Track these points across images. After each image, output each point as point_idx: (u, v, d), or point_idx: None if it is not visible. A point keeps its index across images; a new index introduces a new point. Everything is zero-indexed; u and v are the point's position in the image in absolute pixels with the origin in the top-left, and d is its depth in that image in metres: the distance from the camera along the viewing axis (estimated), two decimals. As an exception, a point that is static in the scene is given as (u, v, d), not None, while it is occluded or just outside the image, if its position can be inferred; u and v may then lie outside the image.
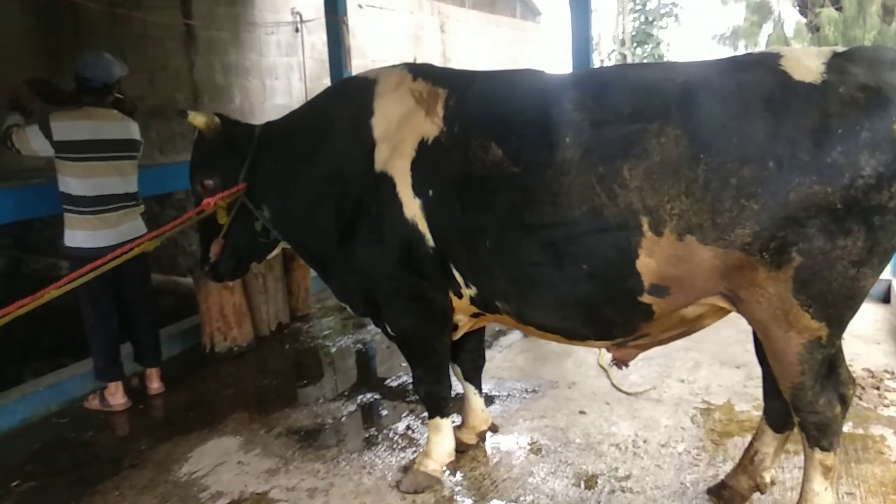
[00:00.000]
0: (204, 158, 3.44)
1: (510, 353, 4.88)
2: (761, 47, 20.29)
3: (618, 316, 2.66)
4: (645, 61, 27.15)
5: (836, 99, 2.19)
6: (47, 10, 6.16)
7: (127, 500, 3.38)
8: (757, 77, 2.32)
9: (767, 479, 2.91)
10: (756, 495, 2.98)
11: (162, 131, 7.23)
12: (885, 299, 5.41)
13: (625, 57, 27.40)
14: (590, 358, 4.62)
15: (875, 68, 2.24)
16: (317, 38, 9.39)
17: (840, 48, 2.37)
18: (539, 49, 18.81)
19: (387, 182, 2.92)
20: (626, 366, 3.07)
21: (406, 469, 3.41)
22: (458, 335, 3.28)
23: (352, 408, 4.24)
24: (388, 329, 3.24)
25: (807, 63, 2.29)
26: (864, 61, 2.26)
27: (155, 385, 4.64)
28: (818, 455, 2.56)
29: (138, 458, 3.79)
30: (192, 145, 3.52)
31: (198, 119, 3.28)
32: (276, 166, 3.30)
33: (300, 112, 3.45)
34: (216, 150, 3.37)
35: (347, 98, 3.22)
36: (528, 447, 3.60)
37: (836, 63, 2.27)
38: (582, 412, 3.93)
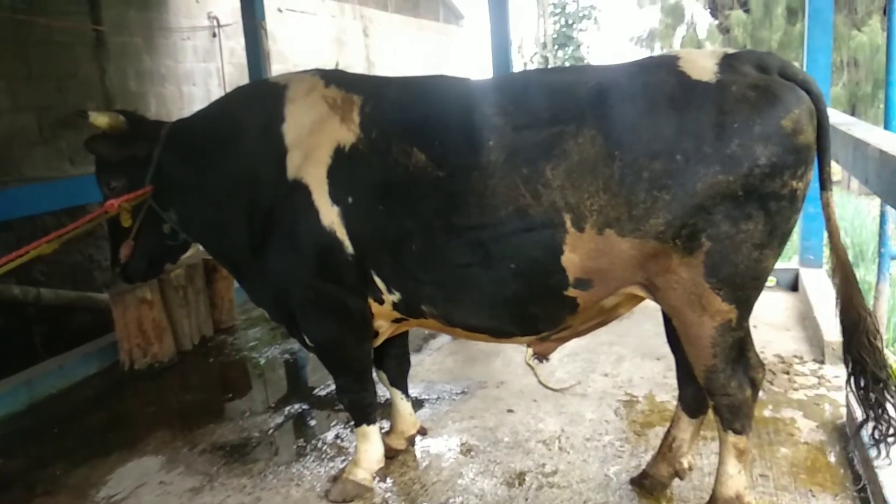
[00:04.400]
0: (110, 159, 3.29)
1: (439, 356, 4.89)
2: (676, 48, 21.03)
3: (544, 311, 2.73)
4: (567, 63, 27.70)
5: (730, 96, 2.34)
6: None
7: (40, 530, 3.23)
8: (659, 78, 2.44)
9: (686, 465, 3.02)
10: (675, 481, 3.08)
11: (72, 141, 6.92)
12: (794, 287, 5.68)
13: (547, 59, 27.91)
14: (517, 357, 4.67)
15: (762, 70, 2.41)
16: (235, 42, 9.20)
17: (731, 50, 2.53)
18: (462, 52, 18.97)
19: (301, 190, 2.88)
20: (547, 359, 3.15)
21: (335, 479, 3.38)
22: (379, 341, 3.26)
23: (280, 420, 4.17)
24: (306, 339, 3.20)
25: (702, 64, 2.43)
26: (751, 63, 2.43)
27: None
28: (731, 438, 2.67)
29: (53, 484, 3.62)
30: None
31: (100, 119, 3.17)
32: (183, 169, 3.21)
33: (208, 114, 3.36)
34: (122, 150, 3.24)
35: (257, 103, 3.16)
36: (458, 449, 3.61)
37: (728, 64, 2.42)
38: (510, 411, 3.97)
